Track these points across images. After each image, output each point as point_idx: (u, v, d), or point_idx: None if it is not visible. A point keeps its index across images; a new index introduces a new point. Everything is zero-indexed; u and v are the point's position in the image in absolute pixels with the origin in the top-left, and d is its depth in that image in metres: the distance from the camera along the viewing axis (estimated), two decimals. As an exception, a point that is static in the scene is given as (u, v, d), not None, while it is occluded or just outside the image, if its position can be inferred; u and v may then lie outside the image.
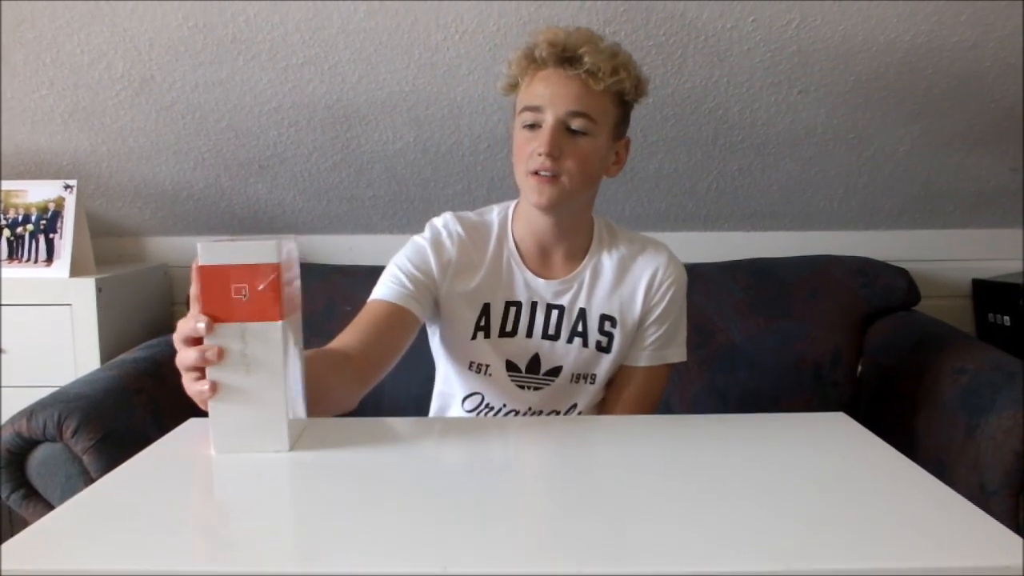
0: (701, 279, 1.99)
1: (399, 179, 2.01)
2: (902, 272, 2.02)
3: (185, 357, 0.84)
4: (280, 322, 0.82)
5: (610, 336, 1.29)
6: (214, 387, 0.83)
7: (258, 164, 1.97)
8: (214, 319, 0.82)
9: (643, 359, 1.31)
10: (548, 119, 1.16)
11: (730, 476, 0.77)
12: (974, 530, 0.64)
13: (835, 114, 1.81)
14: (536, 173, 1.17)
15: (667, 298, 1.29)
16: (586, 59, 1.15)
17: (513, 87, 1.24)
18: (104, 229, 2.15)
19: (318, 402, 0.96)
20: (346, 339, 1.15)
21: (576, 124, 1.16)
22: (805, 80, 1.73)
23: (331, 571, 0.59)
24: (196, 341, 0.83)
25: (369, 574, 0.58)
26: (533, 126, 1.18)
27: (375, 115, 1.83)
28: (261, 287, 0.81)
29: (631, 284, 1.29)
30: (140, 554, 0.61)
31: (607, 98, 1.18)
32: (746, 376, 1.94)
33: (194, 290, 0.83)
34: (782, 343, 1.95)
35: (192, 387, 0.85)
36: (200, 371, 0.84)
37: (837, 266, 2.04)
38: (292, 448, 0.85)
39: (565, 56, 1.16)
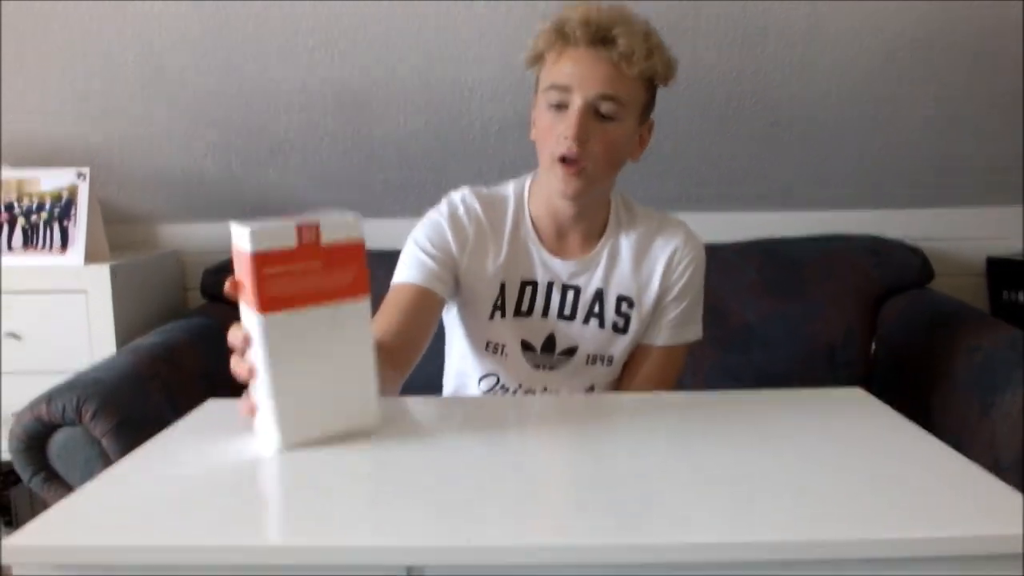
0: (714, 260, 1.96)
1: (410, 164, 2.01)
2: (915, 251, 2.01)
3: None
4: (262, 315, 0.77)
5: (627, 317, 1.28)
6: (250, 409, 0.82)
7: (269, 150, 1.98)
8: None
9: (661, 338, 1.30)
10: (576, 101, 1.12)
11: (749, 449, 0.77)
12: (993, 499, 0.64)
13: (848, 93, 1.80)
14: (563, 160, 1.14)
15: (685, 277, 1.28)
16: (620, 41, 1.10)
17: (538, 59, 1.19)
18: (117, 216, 2.16)
19: None
20: (380, 327, 1.13)
21: (605, 108, 1.13)
22: (818, 63, 1.72)
23: (351, 544, 0.59)
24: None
25: (393, 546, 0.59)
26: (560, 106, 1.14)
27: (386, 100, 1.83)
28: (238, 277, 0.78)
29: (649, 265, 1.27)
30: (163, 529, 0.62)
31: (638, 82, 1.14)
32: (760, 356, 1.94)
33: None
34: (795, 323, 1.94)
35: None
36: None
37: (850, 245, 2.03)
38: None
39: (598, 36, 1.11)
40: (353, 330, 0.82)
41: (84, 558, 0.60)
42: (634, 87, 1.14)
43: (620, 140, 1.16)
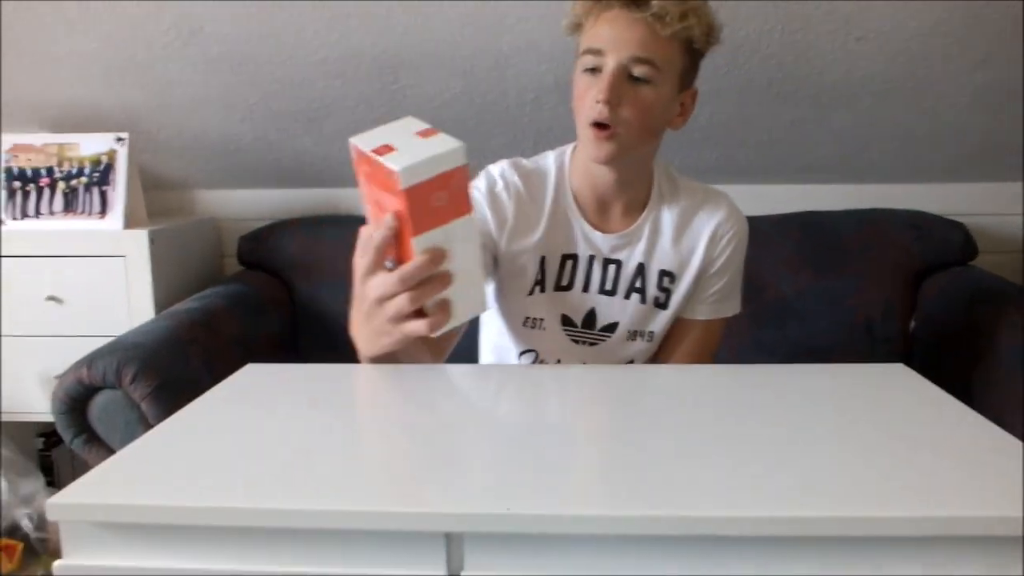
0: (751, 233, 1.95)
1: (445, 131, 1.99)
2: (958, 226, 1.97)
3: (399, 305, 0.87)
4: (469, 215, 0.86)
5: (668, 292, 1.26)
6: (445, 309, 0.88)
7: (305, 116, 1.98)
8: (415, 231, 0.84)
9: (701, 312, 1.28)
10: (609, 64, 1.09)
11: (789, 422, 0.76)
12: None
13: (894, 63, 1.76)
14: (595, 125, 1.11)
15: (728, 252, 1.26)
16: (654, 2, 1.07)
17: (577, 27, 1.16)
18: (154, 182, 2.18)
19: None
20: None
21: (638, 71, 1.09)
22: (863, 27, 1.67)
23: (390, 509, 0.59)
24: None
25: (432, 512, 0.59)
26: (594, 70, 1.11)
27: (421, 66, 1.82)
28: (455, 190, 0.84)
29: (691, 239, 1.25)
30: (203, 490, 0.62)
31: (674, 45, 1.10)
32: (796, 331, 1.92)
33: (383, 234, 0.85)
34: (833, 298, 1.92)
35: (411, 326, 0.88)
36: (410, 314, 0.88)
37: (891, 220, 1.99)
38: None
39: None
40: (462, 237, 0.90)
41: (126, 516, 0.61)
42: (670, 50, 1.11)
43: (655, 105, 1.12)
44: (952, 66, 1.76)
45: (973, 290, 1.81)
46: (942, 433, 0.74)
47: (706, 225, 1.25)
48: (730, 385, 0.91)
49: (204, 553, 0.61)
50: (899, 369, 0.94)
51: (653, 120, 1.15)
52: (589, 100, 1.11)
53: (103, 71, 1.87)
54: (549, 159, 1.28)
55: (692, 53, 1.15)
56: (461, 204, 0.85)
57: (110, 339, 1.55)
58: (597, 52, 1.11)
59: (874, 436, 0.73)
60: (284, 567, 0.60)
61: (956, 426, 0.75)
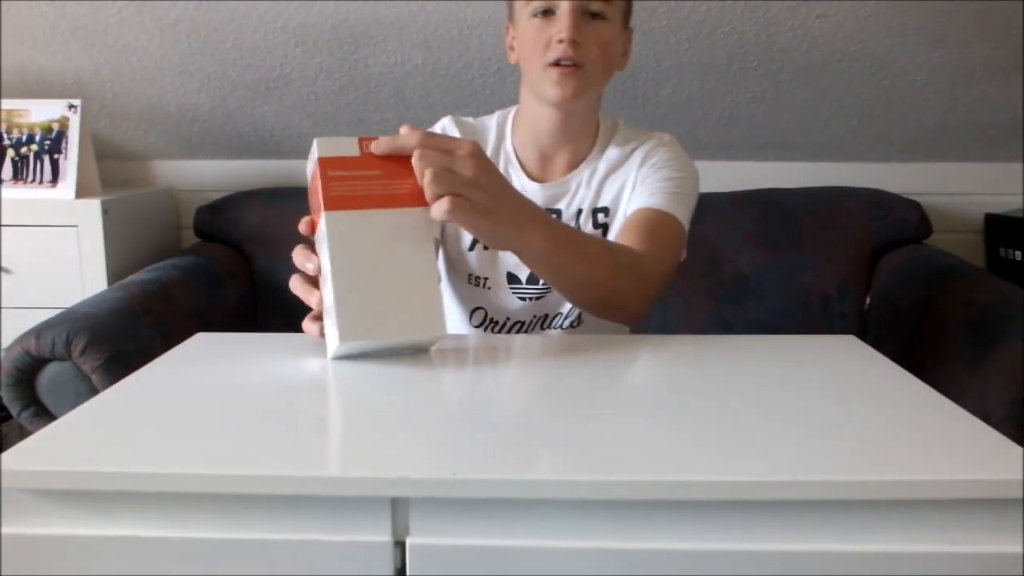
0: (711, 209, 1.96)
1: (407, 103, 1.98)
2: (915, 205, 2.00)
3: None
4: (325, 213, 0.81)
5: (605, 227, 1.24)
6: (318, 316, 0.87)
7: (264, 86, 1.94)
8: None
9: (650, 201, 1.15)
10: (564, 4, 1.10)
11: (738, 390, 0.77)
12: (989, 447, 0.63)
13: (854, 40, 1.77)
14: (557, 64, 1.10)
15: (658, 163, 1.19)
16: None
17: None
18: (109, 152, 2.13)
19: None
20: None
21: (596, 7, 1.11)
22: (824, 4, 1.68)
23: (335, 474, 0.59)
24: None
25: (382, 478, 0.58)
26: (547, 12, 1.11)
27: (383, 36, 1.79)
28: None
29: (625, 172, 1.22)
30: (145, 456, 0.61)
31: None
32: (753, 307, 1.93)
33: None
34: (790, 275, 1.94)
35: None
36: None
37: (849, 198, 2.02)
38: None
39: None
40: (416, 238, 0.83)
41: (65, 483, 0.60)
42: None
43: (613, 41, 1.15)
44: (909, 45, 1.78)
45: (927, 268, 1.84)
46: (889, 401, 0.75)
47: (638, 155, 1.22)
48: (684, 354, 0.92)
49: (145, 519, 0.60)
50: (849, 340, 0.95)
51: (611, 56, 1.17)
52: (545, 42, 1.11)
53: (55, 36, 1.82)
54: (492, 117, 1.29)
55: None
56: (323, 200, 0.82)
57: (62, 310, 1.52)
58: None
59: (824, 404, 0.74)
60: (227, 533, 0.59)
61: (906, 397, 0.76)
